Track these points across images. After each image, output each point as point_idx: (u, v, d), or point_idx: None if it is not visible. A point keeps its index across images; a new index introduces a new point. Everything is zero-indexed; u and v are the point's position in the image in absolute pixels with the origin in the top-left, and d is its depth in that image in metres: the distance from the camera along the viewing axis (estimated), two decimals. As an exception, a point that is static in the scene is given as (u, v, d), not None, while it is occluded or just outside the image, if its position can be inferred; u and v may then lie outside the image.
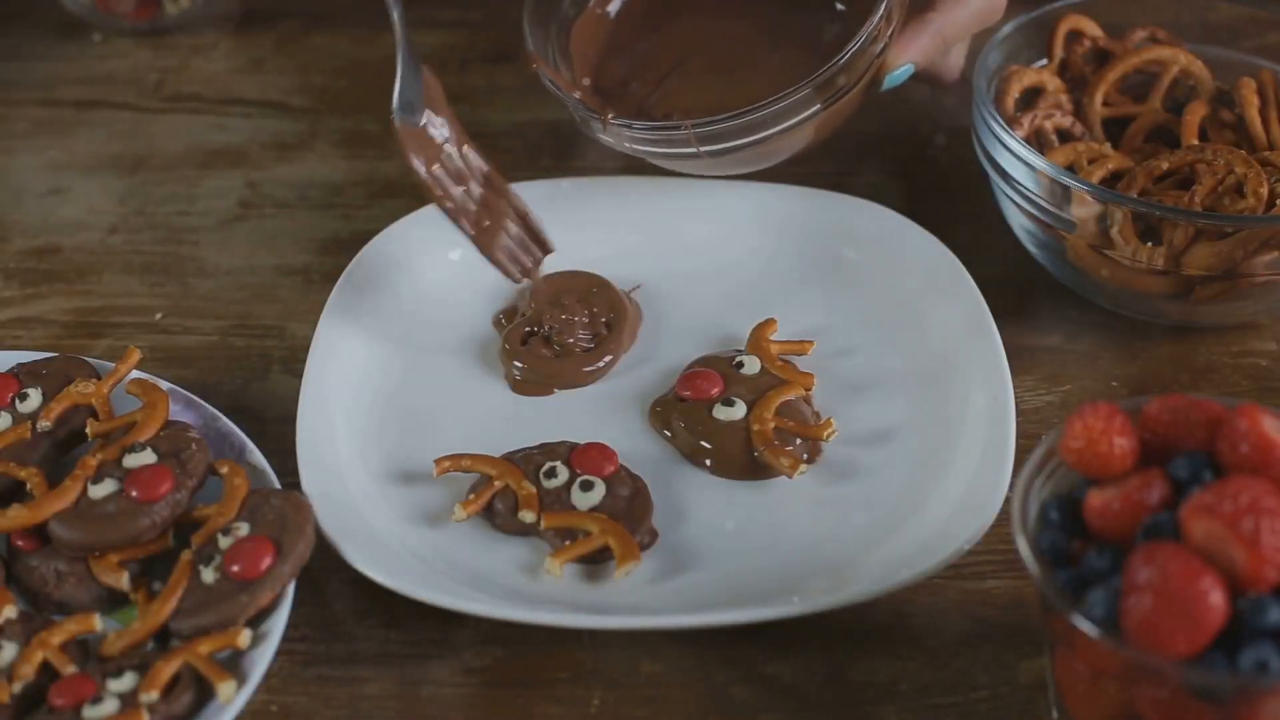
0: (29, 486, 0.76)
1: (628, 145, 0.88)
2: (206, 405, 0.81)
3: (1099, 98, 0.92)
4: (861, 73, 0.85)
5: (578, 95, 0.89)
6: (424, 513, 0.78)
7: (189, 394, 0.81)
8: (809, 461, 0.80)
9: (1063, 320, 0.90)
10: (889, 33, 0.86)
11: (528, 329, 0.87)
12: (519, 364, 0.85)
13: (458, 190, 0.86)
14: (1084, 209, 0.84)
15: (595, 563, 0.76)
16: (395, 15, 0.88)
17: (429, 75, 0.88)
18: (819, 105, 0.85)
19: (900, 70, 0.87)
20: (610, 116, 0.87)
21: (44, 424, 0.79)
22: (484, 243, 0.86)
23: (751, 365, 0.84)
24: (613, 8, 0.95)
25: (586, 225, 0.91)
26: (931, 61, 0.89)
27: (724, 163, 0.88)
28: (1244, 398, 0.81)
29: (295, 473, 0.77)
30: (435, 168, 0.86)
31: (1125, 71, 0.93)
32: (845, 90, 0.85)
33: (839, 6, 0.92)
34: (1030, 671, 0.72)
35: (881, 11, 0.84)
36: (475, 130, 1.03)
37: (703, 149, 0.86)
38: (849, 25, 0.90)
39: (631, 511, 0.77)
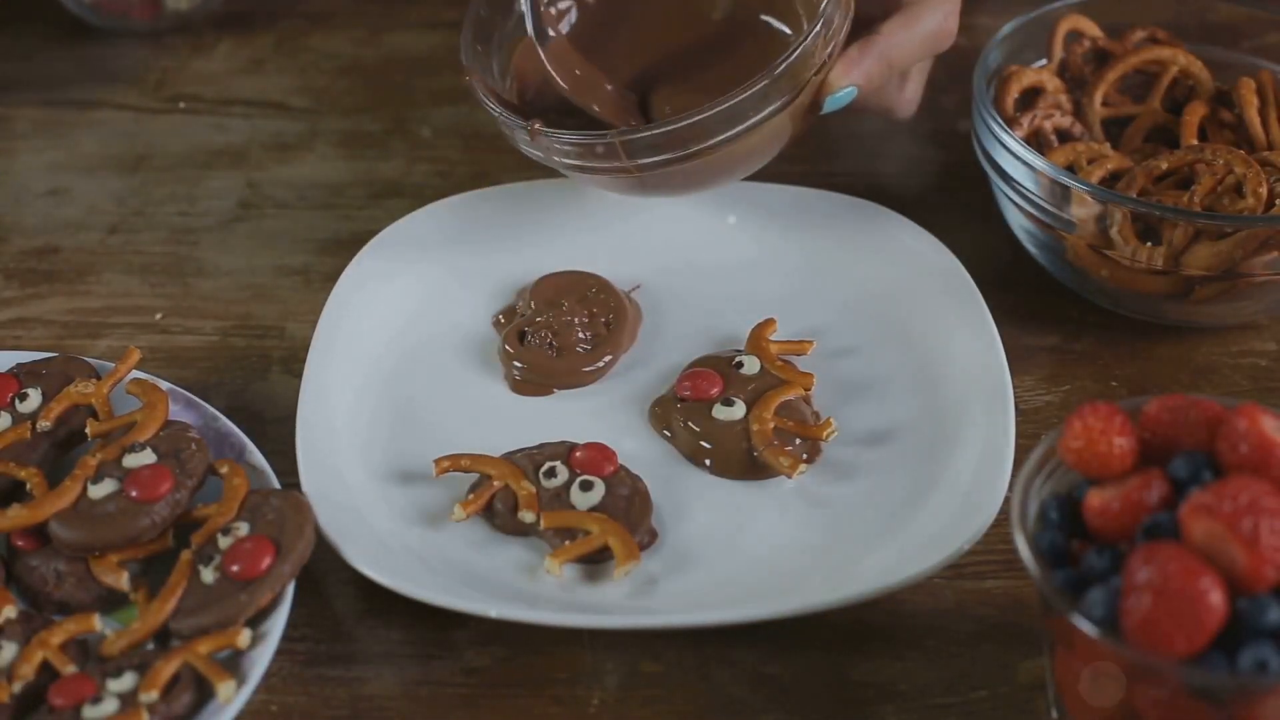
0: (29, 486, 0.76)
1: (557, 159, 0.85)
2: (206, 405, 0.81)
3: (1098, 98, 0.92)
4: (797, 90, 0.83)
5: (504, 107, 0.86)
6: (424, 513, 0.78)
7: (189, 394, 0.81)
8: (809, 461, 0.80)
9: (1063, 320, 0.90)
10: (828, 53, 0.83)
11: (527, 329, 0.87)
12: (519, 364, 0.85)
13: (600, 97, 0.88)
14: (1084, 209, 0.84)
15: (595, 563, 0.76)
16: None
17: None
18: (751, 120, 0.82)
19: (843, 92, 0.84)
20: (536, 125, 0.84)
21: (44, 424, 0.79)
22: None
23: (751, 365, 0.84)
24: (561, 28, 0.91)
25: (586, 225, 0.91)
26: (877, 87, 0.86)
27: (655, 179, 0.85)
28: (1244, 398, 0.81)
29: (295, 473, 0.77)
30: (578, 79, 0.87)
31: (1125, 71, 0.93)
32: (779, 108, 0.82)
33: (785, 30, 0.90)
34: (1030, 671, 0.72)
35: (816, 29, 0.81)
36: (475, 130, 1.04)
37: (630, 162, 0.83)
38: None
39: (631, 511, 0.77)
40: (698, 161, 0.83)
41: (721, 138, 0.82)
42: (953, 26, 0.87)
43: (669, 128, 0.81)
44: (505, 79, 0.89)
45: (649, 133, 0.81)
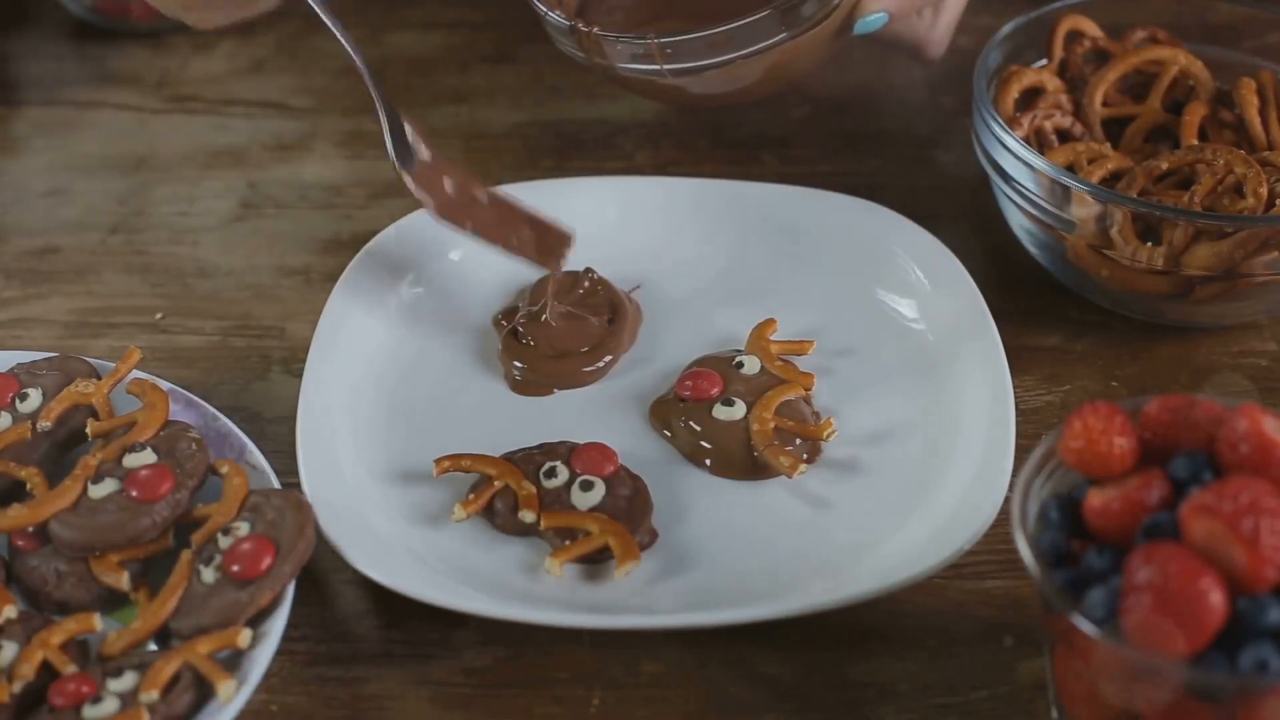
0: (29, 486, 0.76)
1: (597, 59, 0.89)
2: (206, 405, 0.81)
3: (1099, 98, 0.92)
4: (831, 7, 0.86)
5: (559, 12, 0.90)
6: (424, 513, 0.78)
7: (189, 394, 0.81)
8: (809, 461, 0.80)
9: (1063, 320, 0.90)
10: None
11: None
12: (519, 364, 0.85)
13: (476, 214, 0.86)
14: (1084, 209, 0.84)
15: (595, 563, 0.76)
16: (359, 63, 0.87)
17: (407, 118, 0.87)
18: (784, 33, 0.85)
19: (874, 17, 0.87)
20: (581, 24, 0.87)
21: (44, 424, 0.79)
22: (523, 251, 0.86)
23: (751, 365, 0.84)
24: None
25: (586, 225, 0.91)
26: (907, 17, 0.88)
27: (694, 84, 0.89)
28: (1244, 398, 0.81)
29: (295, 473, 0.77)
30: (448, 199, 0.86)
31: (1125, 71, 0.93)
32: (812, 22, 0.86)
33: None
34: (1030, 671, 0.72)
35: None
36: (475, 131, 1.04)
37: (666, 67, 0.86)
38: None
39: (631, 511, 0.77)
40: (729, 70, 0.86)
41: (752, 49, 0.85)
42: None
43: (703, 37, 0.84)
44: None
45: (684, 40, 0.85)
